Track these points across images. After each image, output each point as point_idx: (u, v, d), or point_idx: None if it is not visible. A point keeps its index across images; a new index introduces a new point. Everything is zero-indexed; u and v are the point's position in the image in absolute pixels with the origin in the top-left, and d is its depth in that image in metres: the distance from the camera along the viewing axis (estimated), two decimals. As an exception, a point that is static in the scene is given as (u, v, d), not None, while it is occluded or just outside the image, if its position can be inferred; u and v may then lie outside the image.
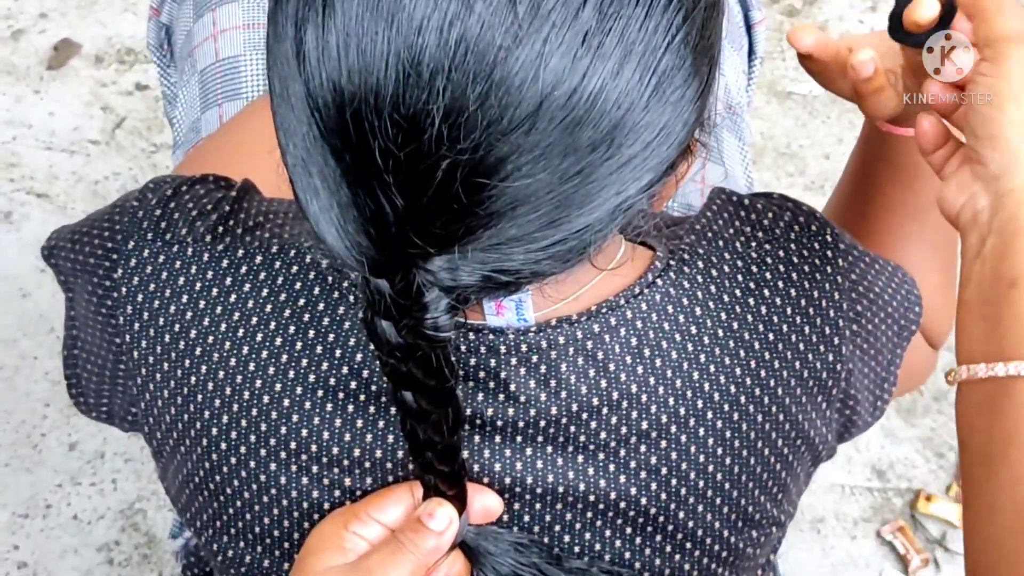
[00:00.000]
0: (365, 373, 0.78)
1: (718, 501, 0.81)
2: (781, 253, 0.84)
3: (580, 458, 0.79)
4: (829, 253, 0.85)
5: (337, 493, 0.79)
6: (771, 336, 0.82)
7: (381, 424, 0.78)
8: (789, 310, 0.83)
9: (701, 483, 0.80)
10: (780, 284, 0.83)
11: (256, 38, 1.33)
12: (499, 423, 0.78)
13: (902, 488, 1.98)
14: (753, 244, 0.84)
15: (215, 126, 1.30)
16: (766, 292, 0.82)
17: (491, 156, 0.60)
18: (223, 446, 0.80)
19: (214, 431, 0.80)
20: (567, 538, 0.81)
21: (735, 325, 0.81)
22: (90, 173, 2.35)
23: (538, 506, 0.80)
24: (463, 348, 0.76)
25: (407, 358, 0.68)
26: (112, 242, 0.84)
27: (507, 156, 0.60)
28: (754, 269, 0.83)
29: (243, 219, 0.84)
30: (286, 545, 0.81)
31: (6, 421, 2.05)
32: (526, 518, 0.80)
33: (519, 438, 0.78)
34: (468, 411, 0.77)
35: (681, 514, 0.81)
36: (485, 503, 0.78)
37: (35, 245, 2.24)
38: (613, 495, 0.79)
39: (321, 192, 0.64)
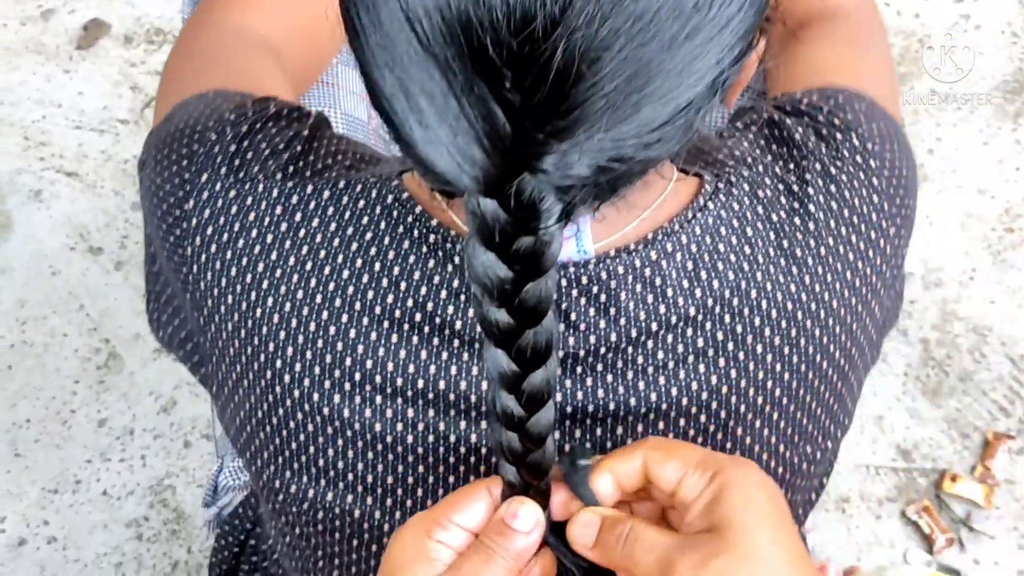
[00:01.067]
0: (429, 306, 0.79)
1: (775, 416, 0.82)
2: (818, 166, 0.85)
3: (640, 383, 0.80)
4: (859, 159, 0.87)
5: (400, 427, 0.80)
6: (822, 251, 0.83)
7: (444, 356, 0.79)
8: (833, 223, 0.84)
9: (760, 399, 0.81)
10: (822, 199, 0.84)
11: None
12: (560, 354, 0.78)
13: (927, 468, 1.97)
14: (792, 165, 0.85)
15: None
16: (811, 207, 0.83)
17: (605, 28, 0.58)
18: (286, 379, 0.81)
19: (278, 363, 0.81)
20: None
21: (785, 243, 0.82)
22: (119, 152, 2.36)
23: (599, 431, 0.81)
24: None
25: (507, 298, 0.65)
26: (188, 172, 0.86)
27: (620, 27, 0.59)
28: (795, 189, 0.84)
29: (312, 161, 0.85)
30: (349, 477, 0.82)
31: (36, 398, 2.07)
32: (587, 445, 0.81)
33: (579, 368, 0.79)
34: None
35: (739, 430, 0.82)
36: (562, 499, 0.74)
37: (64, 223, 2.26)
38: (673, 413, 0.80)
39: (427, 111, 0.62)
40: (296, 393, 0.81)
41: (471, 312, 0.78)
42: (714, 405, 0.81)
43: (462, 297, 0.79)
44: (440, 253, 0.79)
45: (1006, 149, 2.31)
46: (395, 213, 0.80)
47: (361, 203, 0.82)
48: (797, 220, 0.83)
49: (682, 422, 0.81)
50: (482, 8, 0.59)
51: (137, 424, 2.04)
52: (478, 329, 0.78)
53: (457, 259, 0.78)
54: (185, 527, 1.95)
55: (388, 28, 0.62)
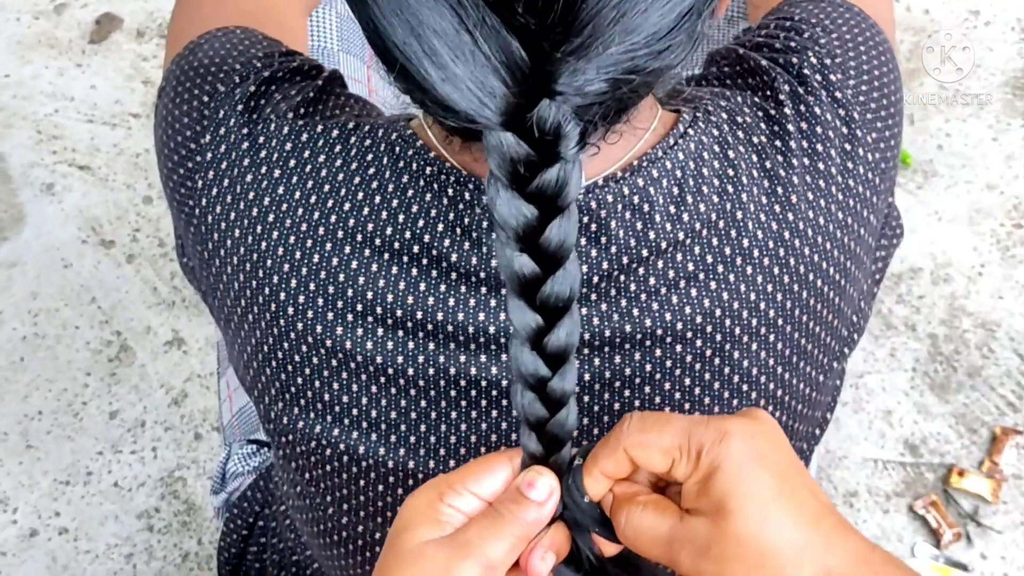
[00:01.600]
0: (426, 238, 0.80)
1: (771, 338, 0.83)
2: (786, 88, 0.86)
3: (635, 310, 0.80)
4: (819, 77, 0.87)
5: (400, 359, 0.81)
6: (802, 169, 0.84)
7: (442, 288, 0.80)
8: (807, 143, 0.85)
9: (754, 321, 0.82)
10: (796, 119, 0.85)
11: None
12: None
13: (935, 463, 1.98)
14: (768, 92, 0.86)
15: None
16: (789, 127, 0.84)
17: None
18: (290, 311, 0.83)
19: (282, 295, 0.83)
20: (627, 392, 0.82)
21: (768, 164, 0.83)
22: (131, 146, 2.37)
23: (596, 361, 0.81)
24: None
25: (531, 240, 0.65)
26: (208, 108, 0.88)
27: None
28: (773, 112, 0.85)
29: (322, 109, 0.87)
30: (354, 412, 0.83)
31: (48, 389, 2.08)
32: (586, 376, 0.82)
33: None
34: None
35: (736, 353, 0.82)
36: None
37: (77, 216, 2.27)
38: (669, 339, 0.81)
39: (441, 50, 0.63)
40: (300, 325, 0.82)
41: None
42: (708, 329, 0.81)
43: (457, 230, 0.79)
44: (436, 186, 0.80)
45: (1015, 145, 2.31)
46: (397, 149, 0.82)
47: (368, 141, 0.83)
48: (778, 142, 0.84)
49: (678, 348, 0.81)
50: None
51: (148, 416, 2.05)
52: (473, 262, 0.79)
53: (451, 191, 0.79)
54: (196, 519, 1.96)
55: None
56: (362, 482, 0.85)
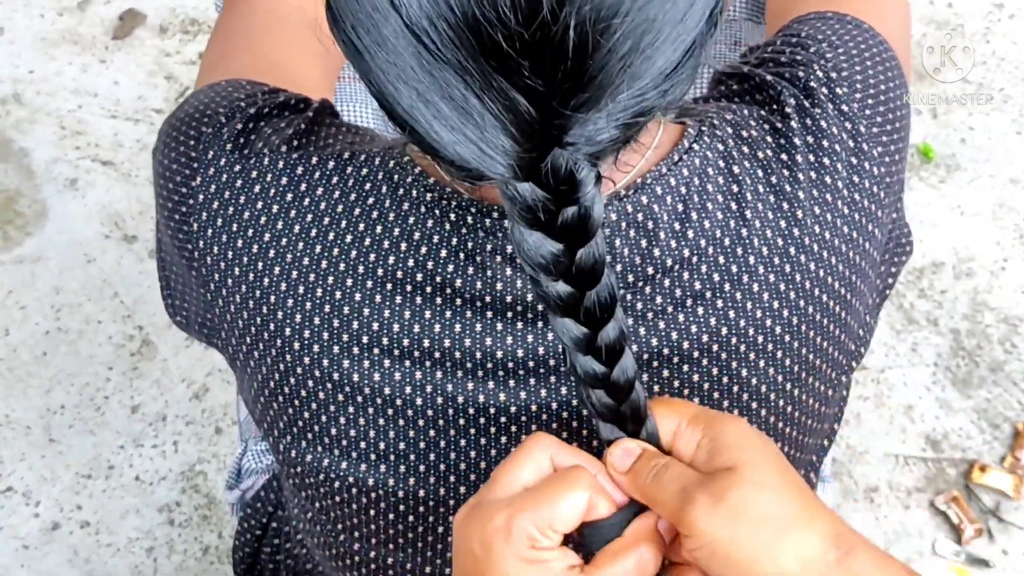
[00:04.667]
0: (430, 265, 0.80)
1: (779, 354, 0.82)
2: (792, 102, 0.86)
3: (640, 329, 0.80)
4: (826, 90, 0.87)
5: (408, 390, 0.81)
6: (809, 183, 0.83)
7: (448, 314, 0.80)
8: (813, 157, 0.84)
9: (760, 338, 0.82)
10: (802, 132, 0.85)
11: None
12: None
13: (956, 458, 1.97)
14: (774, 106, 0.86)
15: None
16: (795, 141, 0.84)
17: None
18: (296, 346, 0.82)
19: (287, 331, 0.82)
20: None
21: (774, 179, 0.83)
22: (154, 141, 2.37)
23: None
24: None
25: (562, 269, 0.65)
26: (195, 151, 0.88)
27: None
28: (779, 126, 0.85)
29: (315, 139, 0.87)
30: (362, 445, 0.83)
31: (70, 384, 2.09)
32: None
33: None
34: (520, 296, 0.79)
35: (744, 371, 0.82)
36: None
37: (99, 212, 2.28)
38: (676, 358, 0.81)
39: (449, 115, 0.63)
40: (306, 360, 0.82)
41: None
42: (715, 348, 0.81)
43: (461, 255, 0.79)
44: (437, 211, 0.79)
45: (1039, 139, 2.30)
46: (395, 176, 0.81)
47: (364, 170, 0.83)
48: (784, 156, 0.83)
49: (685, 368, 0.81)
50: (486, 7, 0.60)
51: (169, 410, 2.06)
52: (478, 286, 0.79)
53: (453, 216, 0.79)
54: (216, 512, 1.97)
55: (394, 44, 0.63)
56: (372, 511, 0.85)
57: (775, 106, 0.86)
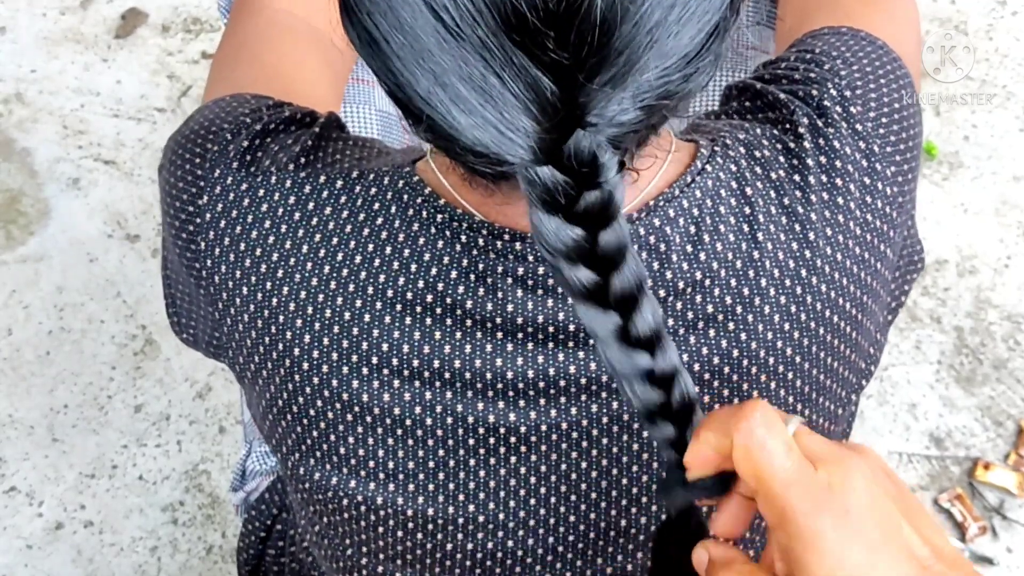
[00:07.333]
0: (440, 286, 0.79)
1: (790, 376, 0.82)
2: (805, 121, 0.85)
3: None
4: (840, 108, 0.86)
5: (418, 410, 0.81)
6: (822, 204, 0.83)
7: (458, 335, 0.79)
8: (826, 177, 0.84)
9: (772, 360, 0.81)
10: (815, 153, 0.84)
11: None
12: (572, 328, 0.79)
13: (960, 456, 1.97)
14: (787, 126, 0.86)
15: None
16: (808, 162, 0.83)
17: None
18: (305, 366, 0.82)
19: (296, 351, 0.82)
20: (646, 434, 0.81)
21: (786, 200, 0.82)
22: (156, 140, 2.38)
23: (615, 404, 0.81)
24: (530, 258, 0.78)
25: (585, 255, 0.64)
26: (202, 169, 0.87)
27: None
28: (792, 146, 0.84)
29: (323, 156, 0.86)
30: (371, 464, 0.83)
31: (73, 383, 2.09)
32: (604, 419, 0.81)
33: (591, 340, 0.79)
34: (531, 318, 0.78)
35: (755, 393, 0.81)
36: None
37: (102, 211, 2.28)
38: None
39: (468, 96, 0.62)
40: (315, 380, 0.82)
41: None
42: (726, 369, 0.80)
43: (471, 276, 0.79)
44: (448, 233, 0.79)
45: (1043, 136, 2.30)
46: (405, 196, 0.81)
47: (373, 190, 0.82)
48: (797, 176, 0.83)
49: (697, 391, 0.80)
50: None
51: (173, 410, 2.06)
52: (488, 307, 0.79)
53: (464, 237, 0.79)
54: (220, 512, 1.97)
55: (411, 25, 0.62)
56: (380, 529, 0.85)
57: (788, 126, 0.85)
